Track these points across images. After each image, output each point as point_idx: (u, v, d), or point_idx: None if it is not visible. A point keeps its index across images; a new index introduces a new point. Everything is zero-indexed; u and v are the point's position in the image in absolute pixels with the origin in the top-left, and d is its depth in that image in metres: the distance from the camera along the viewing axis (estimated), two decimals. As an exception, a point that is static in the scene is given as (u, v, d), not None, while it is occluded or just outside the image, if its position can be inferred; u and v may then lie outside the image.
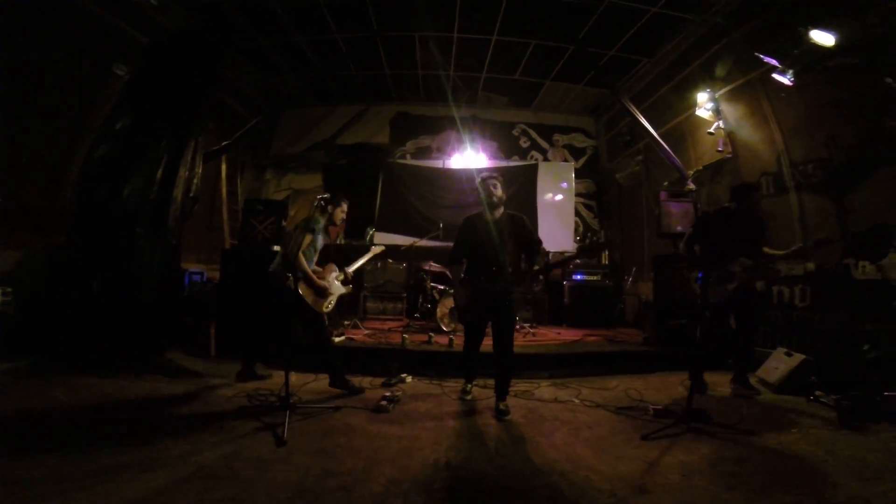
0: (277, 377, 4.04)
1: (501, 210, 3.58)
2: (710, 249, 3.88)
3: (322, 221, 3.84)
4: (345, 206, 4.02)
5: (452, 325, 5.50)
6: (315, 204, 3.63)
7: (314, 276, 3.77)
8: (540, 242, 3.63)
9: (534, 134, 9.63)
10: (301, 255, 3.62)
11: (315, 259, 3.94)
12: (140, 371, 4.10)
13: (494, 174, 3.64)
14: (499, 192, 3.55)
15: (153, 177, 4.55)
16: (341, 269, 4.11)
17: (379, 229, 8.54)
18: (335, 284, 4.01)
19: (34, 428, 2.69)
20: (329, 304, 3.94)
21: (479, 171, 3.78)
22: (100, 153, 4.51)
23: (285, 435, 2.67)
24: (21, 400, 3.18)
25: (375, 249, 4.63)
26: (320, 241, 3.89)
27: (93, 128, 4.87)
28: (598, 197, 9.55)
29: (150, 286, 4.45)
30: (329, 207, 3.86)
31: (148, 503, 1.90)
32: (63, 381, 3.65)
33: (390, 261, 7.13)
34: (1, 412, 2.91)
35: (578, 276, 7.23)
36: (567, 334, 6.13)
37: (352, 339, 5.21)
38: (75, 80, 5.10)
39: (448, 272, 3.81)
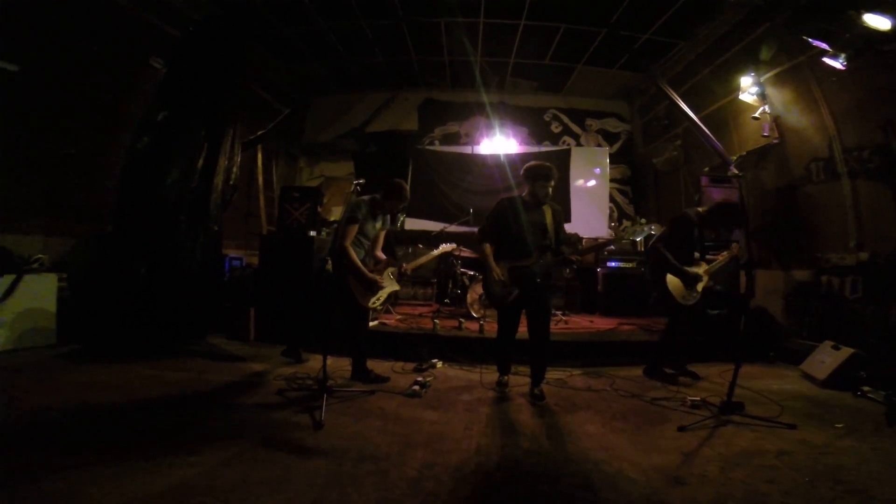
0: (314, 361, 4.16)
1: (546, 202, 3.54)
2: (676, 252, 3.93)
3: (365, 209, 3.61)
4: (397, 204, 3.76)
5: (482, 312, 5.51)
6: (351, 189, 3.42)
7: (363, 270, 3.55)
8: (567, 241, 3.64)
9: (565, 119, 9.41)
10: (348, 246, 3.48)
11: (375, 246, 3.78)
12: (185, 355, 4.30)
13: (552, 176, 3.46)
14: (549, 192, 3.50)
15: (194, 166, 4.70)
16: (400, 265, 3.91)
17: (409, 215, 8.61)
18: (388, 280, 3.81)
19: (85, 413, 2.82)
20: (378, 300, 3.75)
21: (532, 163, 3.62)
22: (143, 144, 4.68)
23: (322, 419, 2.75)
24: (73, 384, 3.36)
25: (445, 247, 4.40)
26: (370, 227, 3.66)
27: (132, 120, 5.06)
28: (632, 182, 9.29)
29: (193, 272, 4.63)
30: (381, 193, 3.70)
31: (195, 486, 1.98)
32: (112, 366, 3.84)
33: (420, 246, 7.18)
34: (54, 397, 3.07)
35: (613, 264, 7.07)
36: (600, 322, 6.04)
37: (385, 324, 5.30)
38: (113, 74, 5.31)
39: (480, 250, 3.69)
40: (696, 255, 3.99)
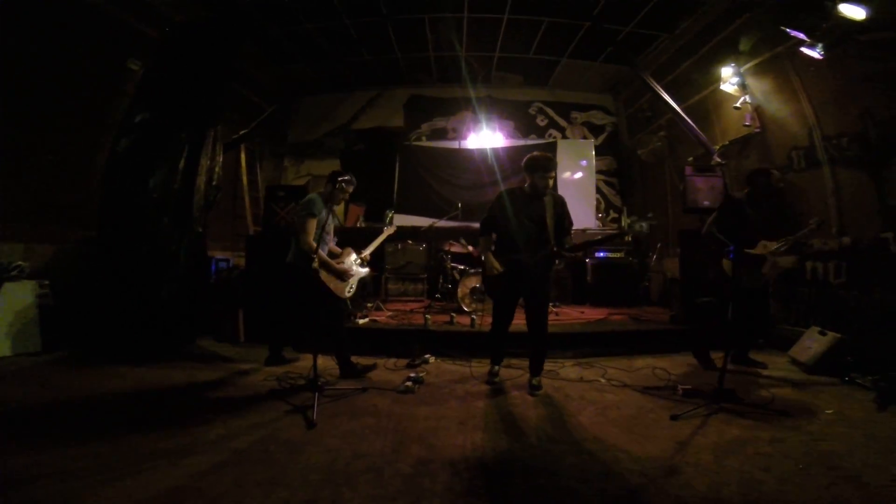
0: (304, 360, 4.13)
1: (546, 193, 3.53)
2: (737, 234, 3.76)
3: (320, 203, 3.68)
4: (347, 188, 3.73)
5: (474, 306, 5.51)
6: (334, 183, 3.58)
7: (333, 263, 3.71)
8: (572, 224, 3.60)
9: (551, 112, 9.43)
10: (312, 241, 3.50)
11: (330, 241, 3.87)
12: (174, 359, 4.23)
13: (552, 166, 3.44)
14: (549, 183, 3.47)
15: (176, 167, 4.61)
16: (358, 252, 4.03)
17: (398, 211, 8.57)
18: (355, 268, 3.95)
19: (75, 417, 2.78)
20: (350, 288, 3.90)
21: (534, 154, 3.58)
22: (123, 146, 4.59)
23: (315, 417, 2.73)
24: (61, 390, 3.30)
25: (388, 230, 4.52)
26: (326, 220, 3.64)
27: (113, 122, 4.96)
28: (619, 174, 9.35)
29: (179, 275, 4.55)
30: (327, 187, 3.75)
31: (188, 488, 1.96)
32: (100, 371, 3.78)
33: (410, 242, 7.14)
34: (43, 402, 3.03)
35: (601, 254, 7.12)
36: (591, 313, 6.07)
37: (375, 320, 5.26)
38: (92, 77, 5.19)
39: (479, 242, 3.69)
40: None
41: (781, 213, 4.83)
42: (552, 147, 8.83)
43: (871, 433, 2.61)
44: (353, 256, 3.98)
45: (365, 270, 4.09)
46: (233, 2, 6.09)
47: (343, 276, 3.79)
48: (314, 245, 3.41)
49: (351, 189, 3.83)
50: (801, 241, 3.88)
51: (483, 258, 3.57)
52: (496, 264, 3.45)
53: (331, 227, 3.89)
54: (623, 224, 8.57)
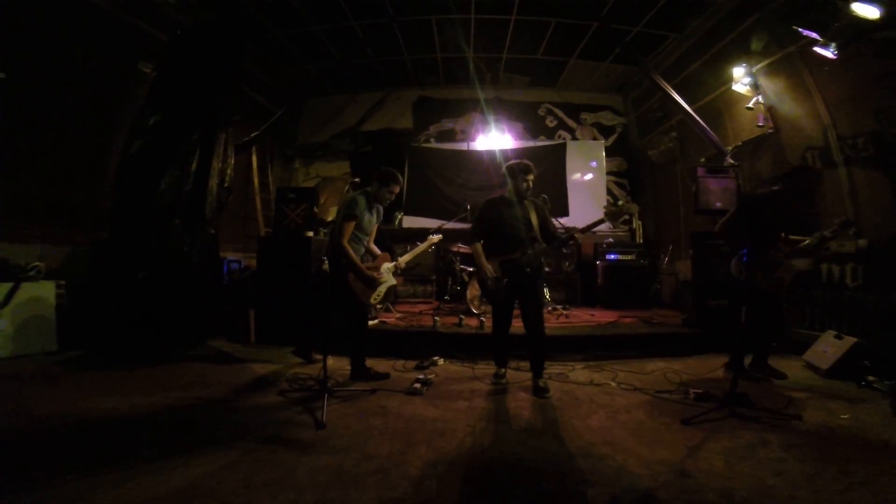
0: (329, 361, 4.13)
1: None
2: (753, 234, 3.56)
3: (363, 203, 3.63)
4: (394, 188, 3.72)
5: (482, 308, 5.49)
6: (346, 188, 3.57)
7: (362, 266, 3.57)
8: (556, 228, 3.73)
9: (560, 113, 9.38)
10: (346, 244, 3.48)
11: (369, 240, 3.77)
12: (185, 359, 4.28)
13: (530, 169, 3.62)
14: (531, 185, 3.63)
15: (188, 169, 4.68)
16: (394, 258, 3.92)
17: (407, 213, 8.60)
18: (387, 275, 3.81)
19: (87, 418, 2.81)
20: (378, 296, 3.74)
21: (511, 161, 3.70)
22: (135, 149, 4.67)
23: (324, 418, 2.73)
24: (75, 388, 3.35)
25: (433, 238, 4.40)
26: (367, 221, 3.66)
27: (124, 125, 5.04)
28: (629, 175, 9.27)
29: (191, 276, 4.61)
30: (374, 185, 3.69)
31: (197, 488, 1.97)
32: (113, 371, 3.83)
33: (418, 243, 7.12)
34: (57, 402, 3.06)
35: (612, 256, 7.07)
36: (601, 316, 6.03)
37: (385, 322, 5.28)
38: (104, 80, 5.27)
39: (471, 250, 3.75)
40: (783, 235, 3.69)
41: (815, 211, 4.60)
42: (562, 148, 8.82)
43: (887, 438, 2.55)
44: (389, 263, 3.88)
45: (395, 280, 3.97)
46: (239, 4, 6.16)
47: (371, 282, 3.64)
48: (344, 244, 3.41)
49: (397, 190, 3.80)
50: (828, 239, 3.60)
51: (477, 263, 3.64)
52: (489, 268, 3.54)
53: (373, 227, 3.80)
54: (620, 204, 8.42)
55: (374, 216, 3.79)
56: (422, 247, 4.28)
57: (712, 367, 4.10)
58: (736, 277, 3.70)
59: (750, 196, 3.88)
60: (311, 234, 5.29)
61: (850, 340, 3.87)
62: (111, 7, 5.23)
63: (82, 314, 4.56)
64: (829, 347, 4.00)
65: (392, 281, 3.91)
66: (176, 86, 4.83)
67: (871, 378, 3.49)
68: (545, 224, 3.65)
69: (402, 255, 4.09)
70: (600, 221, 3.66)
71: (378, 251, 3.89)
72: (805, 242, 3.61)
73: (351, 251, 3.52)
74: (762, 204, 3.77)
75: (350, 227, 3.53)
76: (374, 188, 3.72)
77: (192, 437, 2.52)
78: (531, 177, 3.61)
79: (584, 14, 6.56)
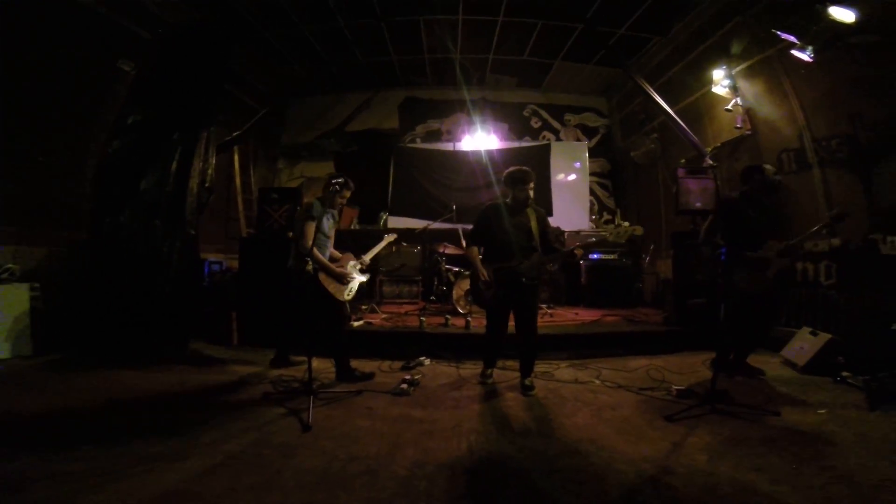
0: (303, 364, 4.09)
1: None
2: (738, 236, 3.56)
3: (319, 206, 3.68)
4: (345, 193, 3.83)
5: (468, 308, 5.51)
6: (328, 186, 3.64)
7: (331, 266, 3.71)
8: (554, 243, 3.68)
9: (545, 114, 9.47)
10: (310, 245, 3.47)
11: (330, 245, 3.88)
12: (166, 361, 4.19)
13: (530, 177, 3.56)
14: (530, 194, 3.58)
15: (168, 169, 4.59)
16: (358, 257, 4.02)
17: (392, 213, 8.57)
18: (354, 272, 3.93)
19: (67, 421, 2.75)
20: (350, 292, 3.88)
21: (510, 169, 3.68)
22: (114, 148, 4.56)
23: (310, 420, 2.71)
24: (55, 393, 3.26)
25: (389, 237, 4.52)
26: (326, 225, 3.77)
27: (105, 124, 4.92)
28: (612, 176, 9.39)
29: (171, 278, 4.52)
30: (325, 192, 3.79)
31: (183, 492, 1.94)
32: (93, 374, 3.74)
33: (404, 244, 7.13)
34: (34, 406, 2.99)
35: (595, 256, 7.15)
36: (585, 314, 6.09)
37: (370, 323, 5.25)
38: (84, 77, 5.14)
39: (467, 254, 3.76)
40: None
41: (781, 210, 4.73)
42: (546, 149, 8.88)
43: (862, 433, 2.62)
44: (353, 262, 3.97)
45: (364, 276, 4.05)
46: (226, 3, 6.07)
47: (341, 279, 3.77)
48: (312, 249, 3.41)
49: (347, 193, 3.85)
50: (828, 226, 3.65)
51: (472, 266, 3.64)
52: (484, 272, 3.54)
53: (331, 231, 3.88)
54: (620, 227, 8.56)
55: (332, 220, 3.88)
56: (381, 245, 4.37)
57: (693, 364, 4.19)
58: (724, 278, 3.68)
59: (728, 198, 3.93)
60: (292, 234, 5.22)
61: (825, 337, 3.98)
62: (92, 2, 5.10)
63: (59, 317, 4.44)
64: (805, 344, 4.11)
65: (361, 277, 4.00)
66: (158, 84, 4.73)
67: (845, 374, 3.59)
68: (545, 234, 3.62)
69: (387, 256, 4.13)
70: (603, 240, 3.67)
71: (339, 254, 3.98)
72: (791, 243, 3.65)
73: (317, 252, 3.58)
74: (741, 205, 3.77)
75: (311, 227, 3.54)
76: (324, 195, 3.80)
77: (174, 441, 2.47)
78: (531, 186, 3.55)
79: (570, 16, 6.63)
